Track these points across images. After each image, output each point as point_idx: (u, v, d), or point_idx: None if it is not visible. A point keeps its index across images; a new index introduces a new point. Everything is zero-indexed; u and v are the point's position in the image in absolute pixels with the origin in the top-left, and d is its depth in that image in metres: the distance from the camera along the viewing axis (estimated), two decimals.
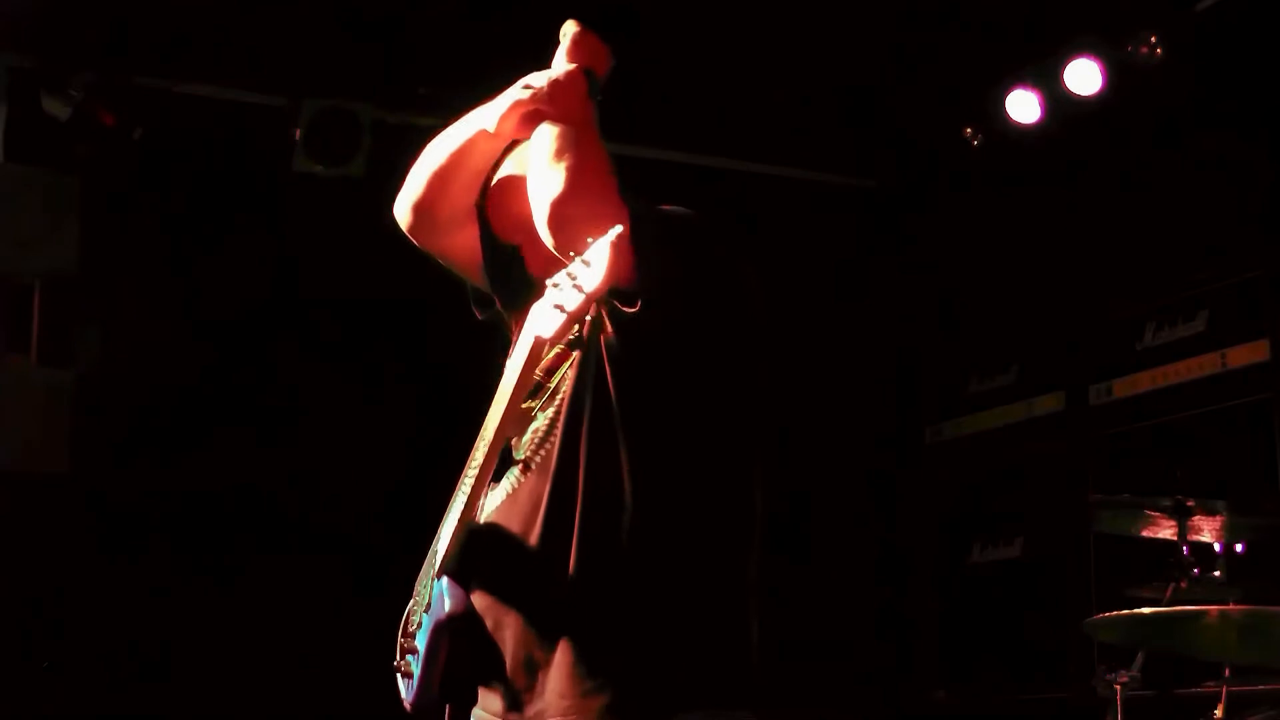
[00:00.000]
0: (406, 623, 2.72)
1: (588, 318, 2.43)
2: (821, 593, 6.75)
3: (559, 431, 2.51)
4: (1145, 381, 6.06)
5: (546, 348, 2.48)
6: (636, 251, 2.33)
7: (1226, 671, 4.36)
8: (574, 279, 2.28)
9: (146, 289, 6.23)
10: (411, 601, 2.74)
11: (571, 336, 2.54)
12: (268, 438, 6.32)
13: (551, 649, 2.45)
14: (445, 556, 2.58)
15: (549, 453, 2.52)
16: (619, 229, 2.25)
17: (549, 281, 2.34)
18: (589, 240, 2.28)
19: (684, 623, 2.45)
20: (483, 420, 2.67)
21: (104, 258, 5.94)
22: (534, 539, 2.49)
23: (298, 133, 6.31)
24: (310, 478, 6.36)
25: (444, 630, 2.54)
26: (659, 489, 2.46)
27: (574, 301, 2.29)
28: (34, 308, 5.65)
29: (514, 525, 2.52)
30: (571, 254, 2.30)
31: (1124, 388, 6.17)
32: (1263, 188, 5.65)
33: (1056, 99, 6.23)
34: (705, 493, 2.51)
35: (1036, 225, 6.72)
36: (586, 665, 2.42)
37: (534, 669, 2.47)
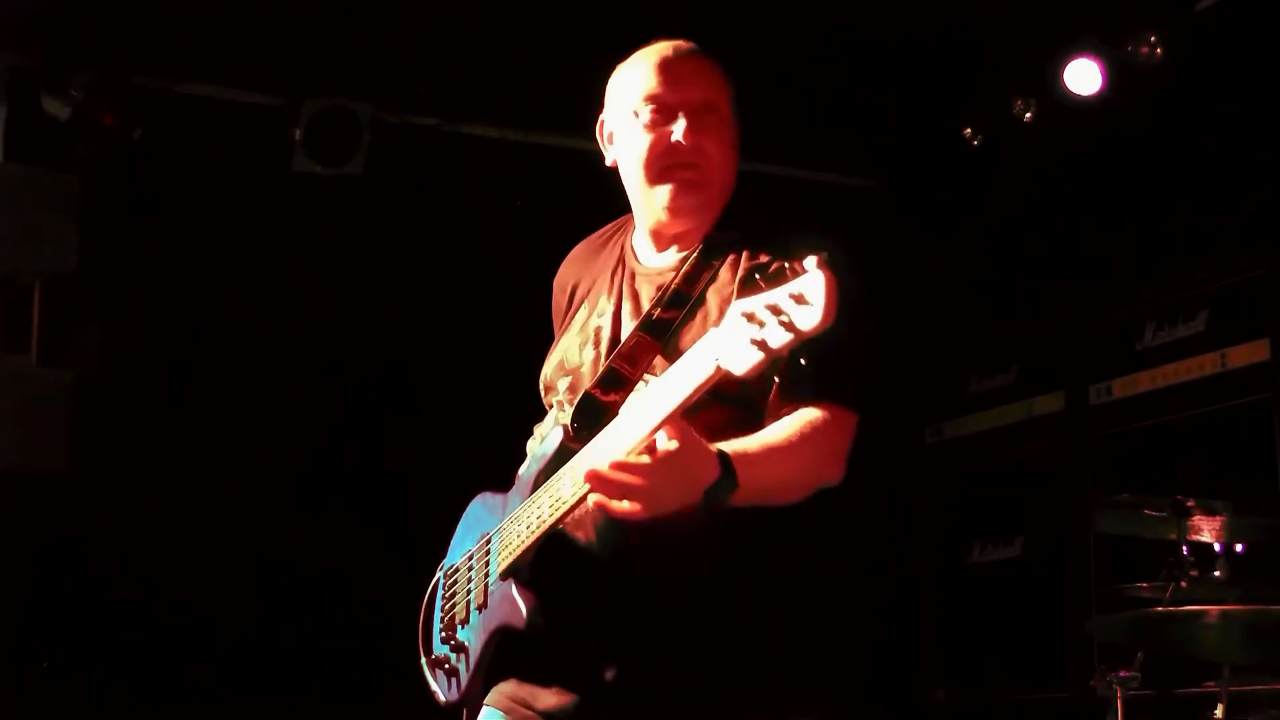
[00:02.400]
0: (440, 613, 2.63)
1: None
2: (822, 593, 6.73)
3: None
4: (1145, 381, 6.06)
5: (732, 379, 2.13)
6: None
7: (1226, 671, 4.36)
8: (779, 314, 1.98)
9: (146, 289, 6.23)
10: (441, 592, 2.66)
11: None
12: (267, 436, 6.32)
13: (646, 665, 2.39)
14: (514, 558, 2.45)
15: None
16: (822, 261, 1.98)
17: (739, 311, 2.04)
18: (787, 267, 2.02)
19: (776, 633, 2.45)
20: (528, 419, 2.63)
21: (104, 258, 5.94)
22: (643, 556, 2.39)
23: (298, 133, 6.31)
24: (309, 474, 6.36)
25: (505, 634, 2.46)
26: (763, 513, 2.41)
27: (780, 340, 1.99)
28: (34, 308, 5.64)
29: (619, 539, 2.42)
30: (758, 278, 2.04)
31: (1124, 388, 6.16)
32: (1263, 188, 5.65)
33: (1057, 100, 6.23)
34: (797, 511, 2.47)
35: (1037, 225, 6.73)
36: (679, 685, 2.38)
37: (619, 683, 2.41)
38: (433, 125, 6.66)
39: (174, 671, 5.99)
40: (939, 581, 7.04)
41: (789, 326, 1.97)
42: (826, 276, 1.95)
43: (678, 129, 2.55)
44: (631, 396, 2.30)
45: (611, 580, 2.42)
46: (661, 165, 2.56)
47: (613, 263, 2.69)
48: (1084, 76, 6.09)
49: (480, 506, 2.68)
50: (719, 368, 2.09)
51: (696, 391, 2.15)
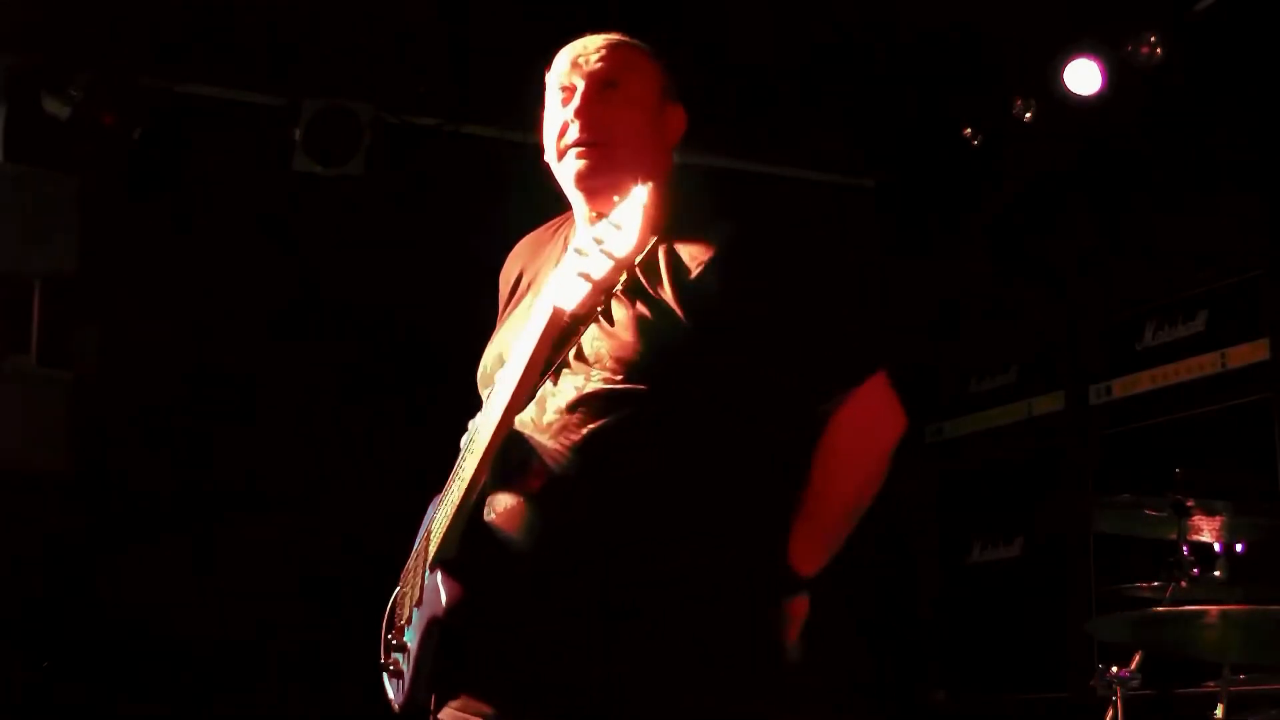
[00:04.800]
0: (394, 618, 2.58)
1: (617, 287, 2.09)
2: (821, 593, 6.73)
3: (603, 417, 2.31)
4: (1145, 381, 6.06)
5: (567, 320, 2.16)
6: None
7: (1226, 671, 4.35)
8: (600, 244, 2.01)
9: (146, 289, 6.23)
10: (397, 595, 2.61)
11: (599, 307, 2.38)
12: (267, 436, 6.32)
13: (582, 655, 2.28)
14: (440, 548, 2.39)
15: (588, 439, 2.32)
16: (647, 186, 2.00)
17: (572, 247, 2.07)
18: (614, 199, 2.04)
19: (723, 628, 2.31)
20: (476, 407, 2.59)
21: (104, 258, 5.94)
22: (570, 533, 2.29)
23: (298, 133, 6.31)
24: (310, 475, 6.36)
25: (437, 626, 2.36)
26: (705, 484, 2.33)
27: (601, 268, 2.01)
28: (34, 308, 5.64)
29: (543, 518, 2.32)
30: (594, 214, 2.09)
31: (1124, 388, 6.16)
32: (1262, 188, 5.65)
33: (1057, 99, 6.23)
34: (744, 486, 2.37)
35: (1036, 225, 6.72)
36: (610, 677, 2.27)
37: (553, 674, 2.30)
38: (433, 125, 6.66)
39: (174, 672, 5.99)
40: (939, 581, 7.04)
41: (608, 254, 2.00)
42: (640, 200, 1.97)
43: (572, 105, 2.56)
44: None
45: (537, 575, 2.32)
46: (561, 142, 2.58)
47: (557, 254, 2.65)
48: (1084, 76, 6.08)
49: (433, 506, 2.64)
50: (555, 308, 2.12)
51: (544, 340, 2.18)
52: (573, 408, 2.30)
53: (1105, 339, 6.29)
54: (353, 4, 5.97)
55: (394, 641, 2.52)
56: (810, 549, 2.40)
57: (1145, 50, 5.85)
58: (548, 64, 2.71)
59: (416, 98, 6.52)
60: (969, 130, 6.72)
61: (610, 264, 2.00)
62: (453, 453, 2.60)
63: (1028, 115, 6.40)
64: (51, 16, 5.83)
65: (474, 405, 2.66)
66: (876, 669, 7.01)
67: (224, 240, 6.37)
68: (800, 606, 2.40)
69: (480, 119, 6.68)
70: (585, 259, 2.03)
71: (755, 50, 6.25)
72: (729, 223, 2.34)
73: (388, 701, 2.56)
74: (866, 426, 2.40)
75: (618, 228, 2.00)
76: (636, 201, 1.99)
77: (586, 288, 2.04)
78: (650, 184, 1.99)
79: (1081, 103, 6.13)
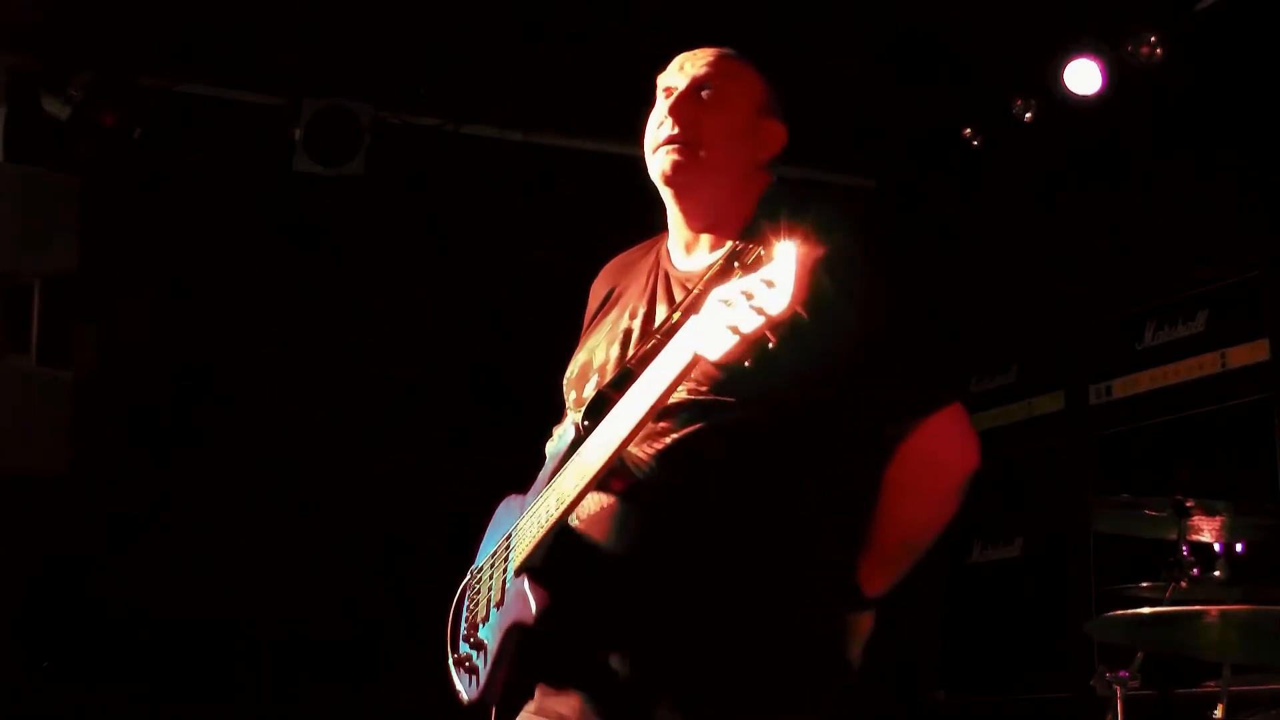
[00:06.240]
0: (465, 613, 2.65)
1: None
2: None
3: (688, 427, 2.40)
4: (1145, 381, 6.06)
5: (708, 367, 2.22)
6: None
7: (1226, 671, 4.35)
8: (751, 298, 2.04)
9: (146, 289, 6.23)
10: (468, 593, 2.68)
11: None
12: (267, 436, 6.32)
13: (657, 661, 2.38)
14: (526, 555, 2.46)
15: (672, 447, 2.41)
16: (798, 244, 2.03)
17: (716, 297, 2.10)
18: (761, 253, 2.10)
19: (792, 636, 2.42)
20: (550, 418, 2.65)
21: (104, 258, 5.93)
22: (651, 538, 2.39)
23: (298, 133, 6.31)
24: (310, 475, 6.36)
25: (518, 631, 2.46)
26: (782, 496, 2.42)
27: (752, 324, 2.04)
28: (34, 307, 5.64)
29: (626, 524, 2.41)
30: (736, 266, 2.14)
31: (1124, 388, 6.17)
32: (1263, 188, 5.65)
33: (1057, 100, 6.23)
34: (819, 500, 2.46)
35: (1037, 225, 6.72)
36: (693, 683, 2.36)
37: (631, 679, 2.39)
38: (433, 125, 6.66)
39: (174, 672, 5.99)
40: (938, 581, 7.03)
41: (759, 311, 2.03)
42: (795, 262, 2.01)
43: (669, 102, 2.65)
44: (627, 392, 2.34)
45: (623, 580, 2.42)
46: (653, 137, 2.65)
47: (648, 267, 2.73)
48: (1084, 76, 6.09)
49: (504, 509, 2.72)
50: (696, 355, 2.16)
51: (677, 379, 2.22)
52: (659, 416, 2.36)
53: (1105, 339, 6.29)
54: (353, 4, 5.97)
55: (469, 637, 2.59)
56: (874, 571, 2.52)
57: (1145, 50, 5.85)
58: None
59: (416, 98, 6.52)
60: (969, 130, 6.72)
61: (761, 320, 2.03)
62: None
63: (1028, 115, 6.41)
64: (51, 16, 5.83)
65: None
66: (876, 669, 6.99)
67: (224, 240, 6.37)
68: (864, 623, 2.53)
69: (480, 119, 6.68)
70: (733, 311, 2.06)
71: (754, 50, 6.24)
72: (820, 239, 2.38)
73: (454, 693, 2.63)
74: (934, 458, 2.48)
75: (770, 284, 2.02)
76: (789, 260, 2.02)
77: (733, 340, 2.07)
78: (799, 241, 2.03)
79: (1081, 103, 6.13)
